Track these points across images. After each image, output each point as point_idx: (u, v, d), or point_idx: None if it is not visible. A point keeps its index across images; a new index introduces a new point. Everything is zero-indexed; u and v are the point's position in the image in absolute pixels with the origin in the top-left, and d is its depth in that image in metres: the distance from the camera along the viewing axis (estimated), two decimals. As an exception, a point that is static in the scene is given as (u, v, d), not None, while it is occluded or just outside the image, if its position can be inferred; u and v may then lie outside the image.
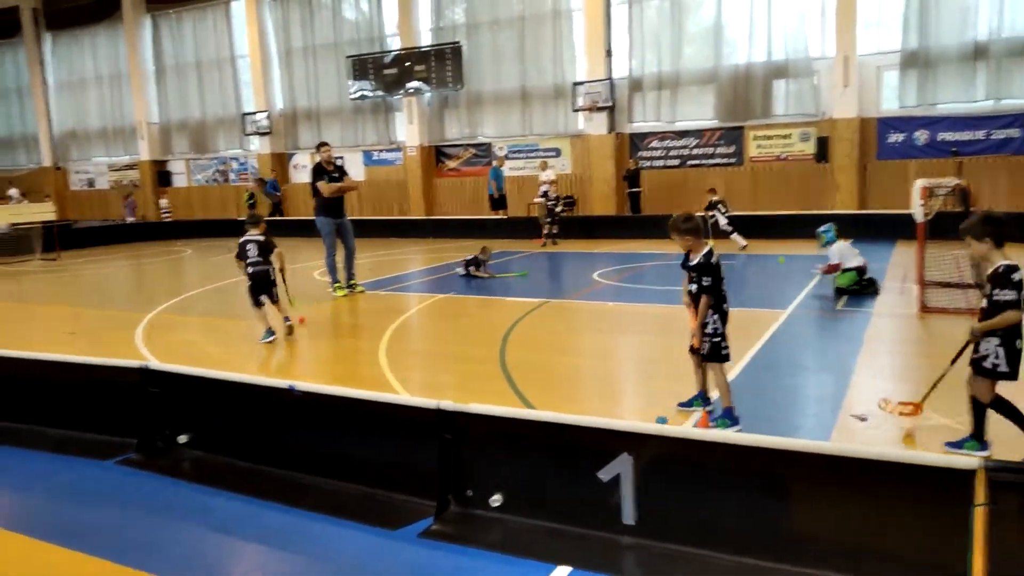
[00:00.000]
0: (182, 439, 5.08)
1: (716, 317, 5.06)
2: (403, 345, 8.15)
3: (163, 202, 27.58)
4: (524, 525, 3.92)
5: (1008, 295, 4.15)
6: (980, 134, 16.97)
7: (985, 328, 4.28)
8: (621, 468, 3.73)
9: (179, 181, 29.25)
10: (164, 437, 5.15)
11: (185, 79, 27.71)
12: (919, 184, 8.96)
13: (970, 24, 16.70)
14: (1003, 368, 4.30)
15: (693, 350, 5.22)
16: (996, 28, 16.44)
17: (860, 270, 9.82)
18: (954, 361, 4.67)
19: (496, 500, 4.00)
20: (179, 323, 9.72)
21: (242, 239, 8.35)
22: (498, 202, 20.34)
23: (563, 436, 3.91)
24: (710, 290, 4.93)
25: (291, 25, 24.98)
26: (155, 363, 5.46)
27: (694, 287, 5.07)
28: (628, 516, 3.73)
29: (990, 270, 4.30)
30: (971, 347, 4.43)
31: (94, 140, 30.95)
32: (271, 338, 8.21)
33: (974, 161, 16.92)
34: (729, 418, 5.09)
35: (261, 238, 8.30)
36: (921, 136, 17.56)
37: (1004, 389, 4.47)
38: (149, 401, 5.16)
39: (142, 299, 11.75)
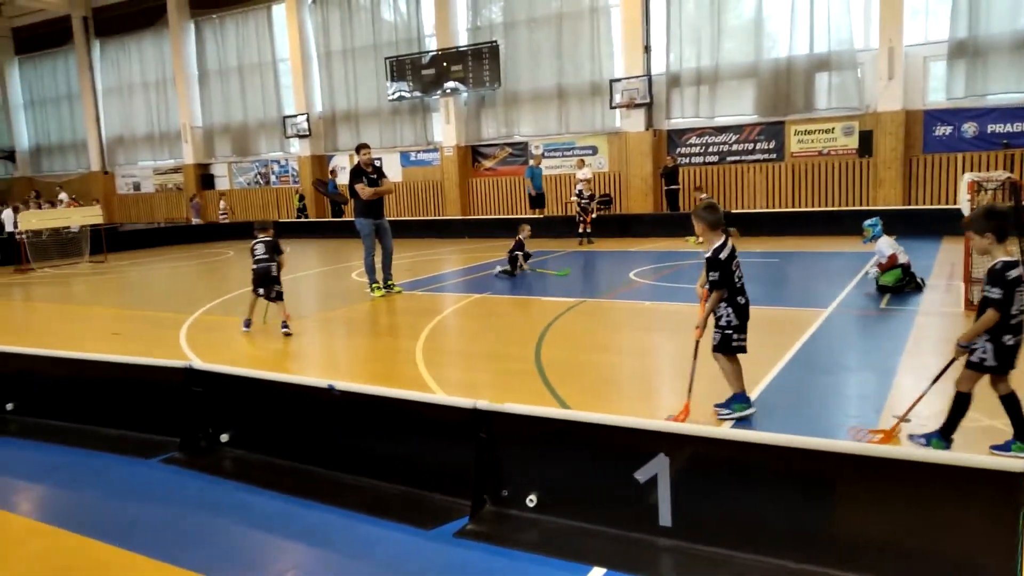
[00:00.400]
0: (224, 438, 5.18)
1: (730, 310, 5.05)
2: (439, 344, 8.20)
3: (222, 204, 28.05)
4: (559, 525, 3.91)
5: (995, 293, 4.14)
6: (1032, 125, 16.45)
7: (968, 338, 4.34)
8: (658, 468, 3.69)
9: (221, 184, 29.85)
10: (207, 436, 5.25)
11: (228, 83, 28.27)
12: (967, 178, 8.73)
13: (1022, 12, 16.18)
14: (990, 363, 4.35)
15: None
16: (1050, 15, 15.91)
17: (904, 268, 9.59)
18: (936, 380, 4.67)
19: (532, 500, 4.00)
20: (221, 324, 9.91)
21: (253, 242, 9.09)
22: (536, 201, 20.34)
23: (599, 436, 3.89)
24: (717, 285, 4.90)
25: (331, 28, 25.30)
26: (198, 363, 5.57)
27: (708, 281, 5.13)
28: (665, 517, 3.69)
29: (989, 265, 4.25)
30: (959, 360, 4.45)
31: (140, 144, 31.77)
32: (247, 329, 9.03)
33: (1026, 153, 16.43)
34: (742, 401, 5.11)
35: (269, 239, 9.03)
36: (970, 128, 17.08)
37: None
38: (192, 400, 5.26)
39: (185, 300, 12.01)
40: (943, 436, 4.59)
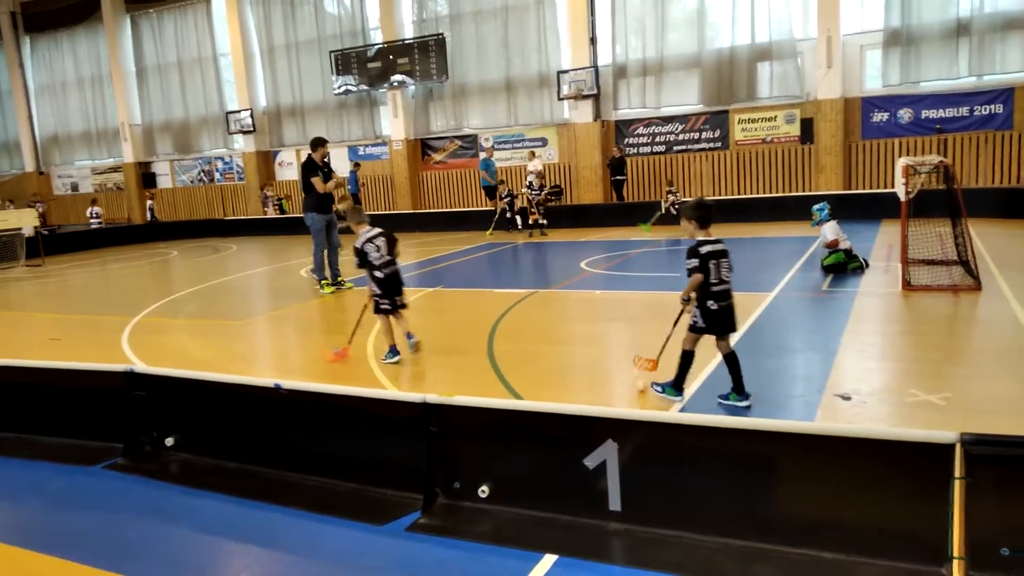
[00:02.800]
0: (169, 442, 5.07)
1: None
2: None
3: (95, 209, 25.99)
4: (512, 515, 3.93)
5: (691, 263, 4.99)
6: (963, 111, 17.05)
7: (684, 294, 5.10)
8: (606, 455, 3.74)
9: (164, 183, 29.10)
10: (151, 440, 5.14)
11: (167, 79, 27.55)
12: (901, 162, 8.99)
13: (952, 1, 16.72)
14: (701, 324, 5.12)
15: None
16: (978, 4, 16.49)
17: (846, 252, 9.89)
18: (675, 323, 5.43)
19: (484, 491, 4.01)
20: (166, 326, 9.68)
21: (366, 236, 6.99)
22: (491, 192, 20.36)
23: (548, 425, 3.92)
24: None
25: (273, 22, 24.84)
26: (141, 366, 5.44)
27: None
28: (614, 502, 3.75)
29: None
30: (686, 310, 5.22)
31: (77, 143, 30.77)
32: (397, 358, 7.03)
33: (958, 138, 17.01)
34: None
35: (385, 233, 7.05)
36: (905, 114, 17.62)
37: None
38: (135, 405, 5.14)
39: (128, 302, 11.69)
40: (675, 387, 5.30)
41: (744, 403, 5.14)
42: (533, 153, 20.39)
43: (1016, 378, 5.55)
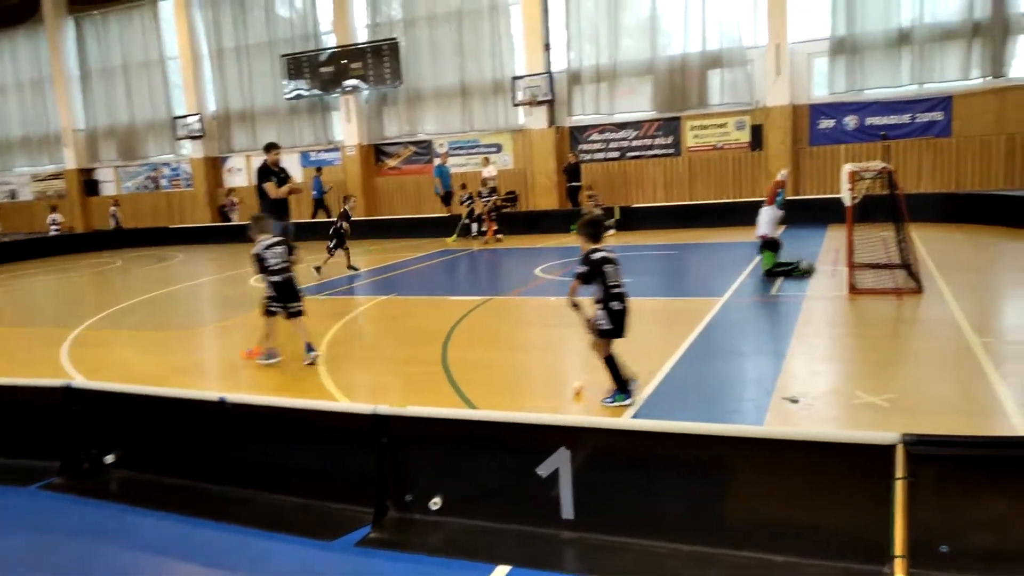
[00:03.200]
0: (109, 459, 4.89)
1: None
2: (343, 350, 8.02)
3: (55, 216, 25.06)
4: (464, 526, 3.89)
5: (581, 268, 5.32)
6: (906, 118, 17.57)
7: (568, 299, 5.36)
8: (559, 463, 3.72)
9: (108, 189, 28.29)
10: (90, 458, 4.95)
11: (112, 83, 26.82)
12: (846, 168, 9.21)
13: (894, 11, 17.26)
14: (607, 326, 5.32)
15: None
16: (918, 15, 17.02)
17: (772, 245, 10.21)
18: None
19: (436, 503, 3.96)
20: (107, 338, 9.39)
21: (265, 243, 7.29)
22: (445, 199, 20.31)
23: (500, 434, 3.89)
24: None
25: (222, 25, 24.40)
26: (79, 381, 5.25)
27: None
28: (567, 510, 3.73)
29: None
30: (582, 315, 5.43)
31: (16, 149, 29.75)
32: (275, 360, 7.41)
33: (901, 144, 17.52)
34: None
35: (283, 240, 7.44)
36: (851, 121, 18.08)
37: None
38: (72, 421, 4.95)
39: (68, 314, 11.32)
40: (621, 391, 5.43)
41: (629, 400, 5.41)
42: (487, 159, 20.41)
43: (955, 379, 5.71)
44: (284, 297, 7.25)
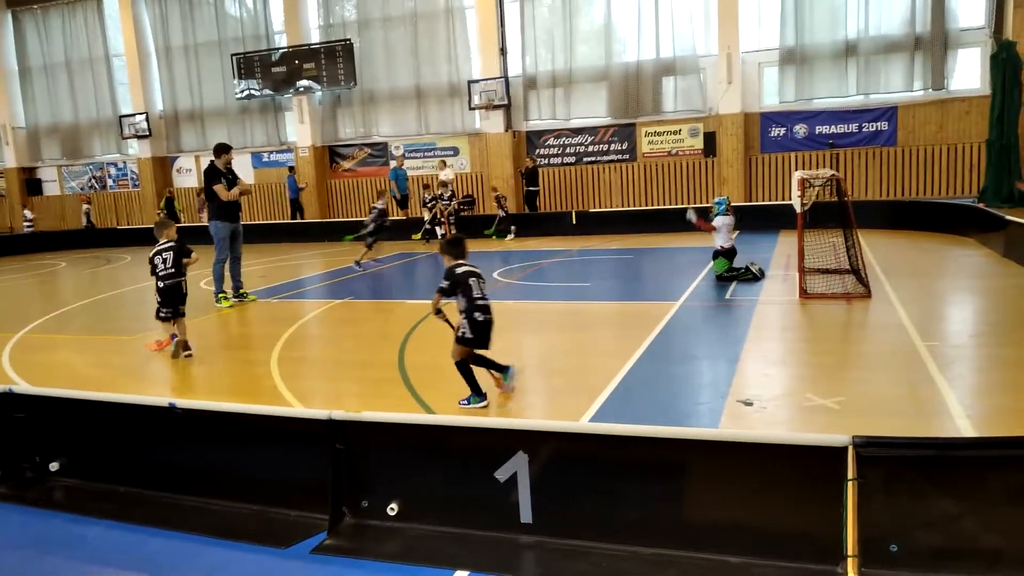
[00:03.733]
0: (54, 467, 4.73)
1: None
2: (298, 354, 7.90)
3: (27, 213, 25.23)
4: (422, 532, 3.86)
5: (443, 283, 5.66)
6: (853, 127, 18.05)
7: (433, 307, 5.78)
8: (517, 467, 3.72)
9: (51, 189, 27.38)
10: (33, 466, 4.78)
11: (55, 80, 25.96)
12: (797, 176, 9.43)
13: (840, 23, 17.73)
14: (469, 335, 5.58)
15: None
16: (864, 27, 17.52)
17: (729, 253, 10.39)
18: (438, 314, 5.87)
19: (393, 509, 3.92)
20: (51, 342, 9.08)
21: (155, 248, 7.74)
22: (401, 203, 20.18)
23: (457, 439, 3.88)
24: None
25: (170, 21, 23.84)
26: (21, 386, 5.06)
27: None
28: (526, 515, 3.72)
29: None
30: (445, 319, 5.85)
31: (-47, 146, 28.57)
32: (188, 352, 7.81)
33: (848, 153, 18.01)
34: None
35: (175, 244, 7.76)
36: (800, 130, 18.50)
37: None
38: (13, 428, 4.77)
39: (9, 318, 10.92)
40: (476, 394, 5.66)
41: (484, 403, 5.66)
42: (444, 162, 20.35)
43: (903, 381, 5.87)
44: (168, 303, 7.68)
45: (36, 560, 3.92)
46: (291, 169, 22.21)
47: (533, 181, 19.83)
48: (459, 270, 5.66)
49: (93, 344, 8.92)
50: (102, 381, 7.06)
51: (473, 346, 5.64)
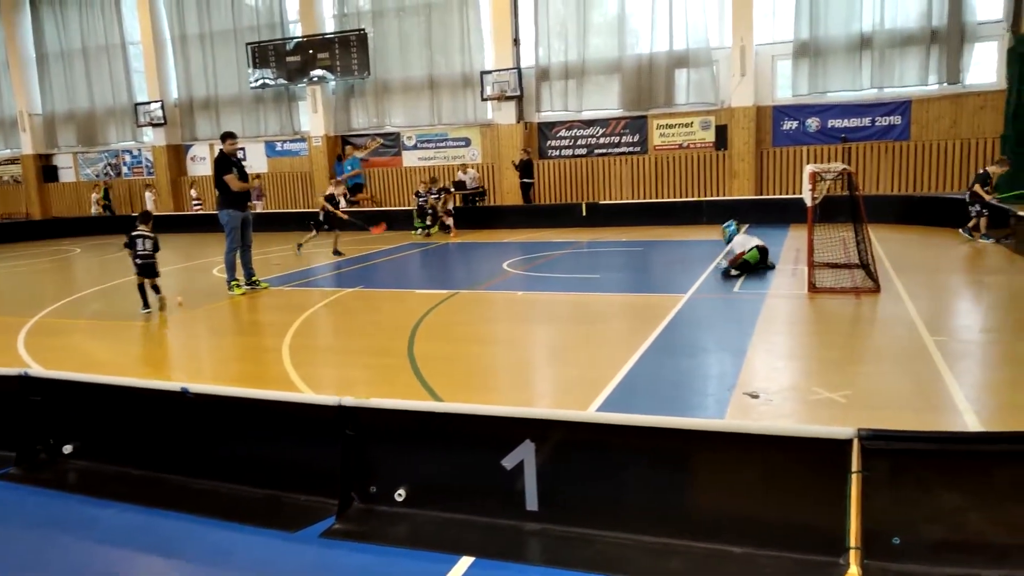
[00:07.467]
0: (67, 449, 4.80)
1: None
2: (309, 341, 7.97)
3: (193, 192, 24.76)
4: (429, 518, 3.90)
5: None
6: (866, 121, 17.94)
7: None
8: (524, 455, 3.76)
9: (67, 176, 27.62)
10: (47, 448, 4.86)
11: (71, 67, 26.16)
12: (808, 169, 9.39)
13: (855, 16, 17.60)
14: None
15: None
16: (879, 20, 17.39)
17: (761, 248, 10.37)
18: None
19: (400, 495, 3.97)
20: (66, 327, 9.19)
21: (134, 233, 9.81)
22: (355, 190, 20.66)
23: (465, 426, 3.91)
24: None
25: (186, 10, 23.95)
26: (36, 370, 5.14)
27: None
28: (531, 502, 3.76)
29: None
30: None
31: (-30, 133, 28.85)
32: (148, 310, 9.73)
33: (860, 147, 17.90)
34: None
35: (152, 236, 9.85)
36: (813, 123, 18.41)
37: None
38: (29, 410, 4.85)
39: (25, 303, 11.05)
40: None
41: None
42: (466, 167, 20.67)
43: (910, 376, 5.87)
44: (144, 273, 9.77)
45: (51, 539, 4.00)
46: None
47: (528, 173, 19.81)
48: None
49: (107, 329, 9.03)
50: (115, 365, 7.15)
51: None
